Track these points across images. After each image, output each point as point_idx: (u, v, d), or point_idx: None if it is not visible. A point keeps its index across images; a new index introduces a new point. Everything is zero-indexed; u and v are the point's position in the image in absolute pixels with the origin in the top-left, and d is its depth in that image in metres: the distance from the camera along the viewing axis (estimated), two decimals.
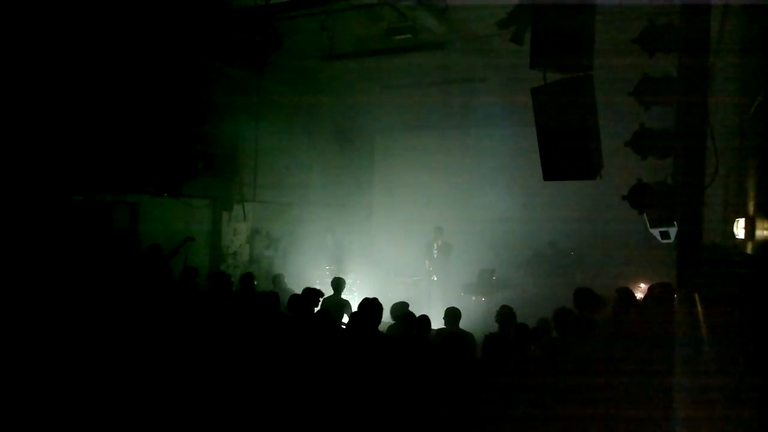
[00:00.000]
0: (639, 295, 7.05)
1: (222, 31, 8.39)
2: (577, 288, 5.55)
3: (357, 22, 8.64)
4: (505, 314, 5.76)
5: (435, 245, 10.97)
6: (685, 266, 4.17)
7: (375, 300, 5.69)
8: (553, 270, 10.62)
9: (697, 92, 4.28)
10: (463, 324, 6.41)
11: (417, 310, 6.00)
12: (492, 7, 7.28)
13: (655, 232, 5.12)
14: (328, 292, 7.41)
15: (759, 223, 4.70)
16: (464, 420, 4.07)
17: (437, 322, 6.21)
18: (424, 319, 5.56)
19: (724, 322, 3.58)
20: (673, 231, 4.92)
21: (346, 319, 7.22)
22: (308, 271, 10.94)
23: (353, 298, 8.98)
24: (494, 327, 5.93)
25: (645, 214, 4.99)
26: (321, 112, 12.78)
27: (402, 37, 8.06)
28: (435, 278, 10.92)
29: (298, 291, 6.46)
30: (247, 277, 7.24)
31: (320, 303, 6.28)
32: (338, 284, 7.51)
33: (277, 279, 8.36)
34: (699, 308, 3.87)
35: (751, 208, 4.99)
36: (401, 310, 6.09)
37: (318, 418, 4.46)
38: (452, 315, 6.14)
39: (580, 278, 9.78)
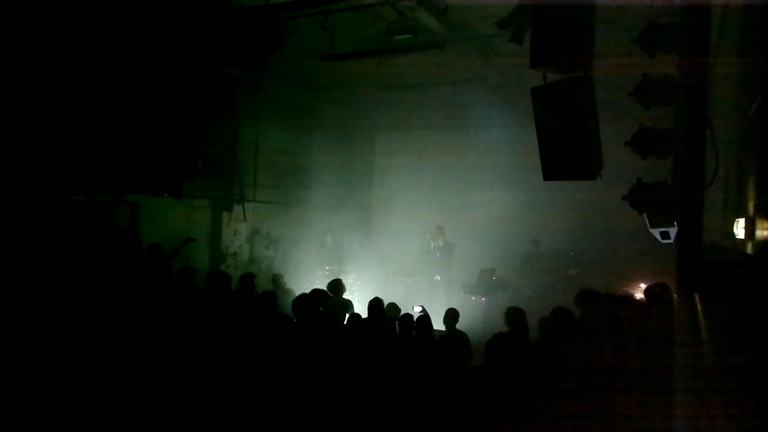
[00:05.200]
0: (638, 296, 7.05)
1: (222, 31, 8.38)
2: (581, 289, 5.54)
3: (357, 22, 8.64)
4: (514, 315, 5.63)
5: (436, 245, 10.93)
6: (685, 266, 4.16)
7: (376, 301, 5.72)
8: (547, 269, 10.60)
9: (697, 92, 4.27)
10: (463, 324, 6.42)
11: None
12: (492, 7, 7.28)
13: (655, 232, 5.11)
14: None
15: (759, 223, 4.69)
16: (462, 419, 4.07)
17: (439, 323, 6.23)
18: (424, 320, 5.57)
19: (724, 323, 3.58)
20: (673, 231, 4.92)
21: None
22: (308, 271, 10.94)
23: (353, 298, 8.98)
24: (494, 327, 5.93)
25: (645, 214, 4.99)
26: (321, 112, 12.77)
27: (402, 37, 8.05)
28: (438, 278, 10.87)
29: (298, 291, 6.46)
30: (248, 278, 7.24)
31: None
32: (337, 286, 7.51)
33: (276, 279, 8.36)
34: (699, 308, 3.87)
35: (751, 208, 4.98)
36: (393, 311, 6.13)
37: (316, 417, 4.46)
38: (451, 316, 6.17)
39: (579, 278, 9.78)
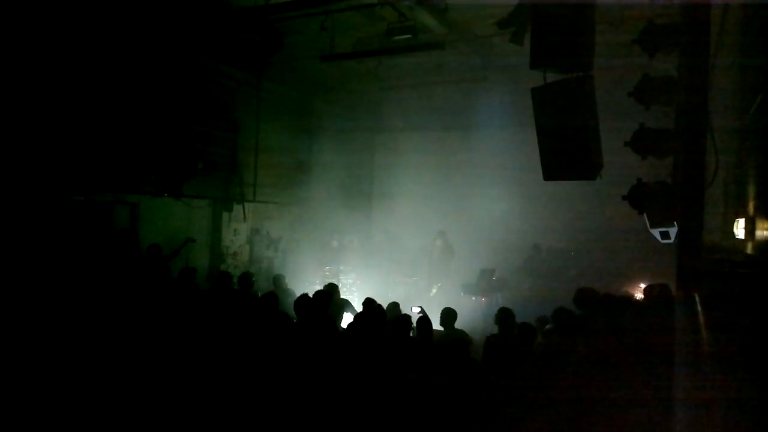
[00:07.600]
0: (638, 295, 7.05)
1: (222, 31, 8.38)
2: (578, 288, 5.55)
3: (357, 22, 8.65)
4: (504, 316, 5.74)
5: (437, 249, 10.96)
6: (685, 266, 4.16)
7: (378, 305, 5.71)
8: (547, 271, 10.61)
9: (697, 92, 4.27)
10: (463, 324, 6.41)
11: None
12: (492, 7, 7.29)
13: (655, 232, 5.11)
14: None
15: (759, 223, 4.69)
16: (465, 420, 4.07)
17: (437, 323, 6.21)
18: (424, 321, 5.56)
19: (725, 323, 3.58)
20: (673, 231, 4.92)
21: (348, 317, 7.22)
22: (308, 271, 10.94)
23: (353, 298, 8.98)
24: (494, 327, 5.93)
25: (645, 214, 4.99)
26: (321, 112, 12.78)
27: (402, 37, 8.05)
28: (435, 290, 10.89)
29: (299, 291, 6.46)
30: (245, 277, 7.24)
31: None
32: (333, 290, 7.55)
33: (277, 279, 8.36)
34: (699, 308, 3.87)
35: (751, 208, 4.98)
36: (393, 311, 6.13)
37: (317, 417, 4.45)
38: (448, 316, 6.16)
39: (579, 278, 9.78)
